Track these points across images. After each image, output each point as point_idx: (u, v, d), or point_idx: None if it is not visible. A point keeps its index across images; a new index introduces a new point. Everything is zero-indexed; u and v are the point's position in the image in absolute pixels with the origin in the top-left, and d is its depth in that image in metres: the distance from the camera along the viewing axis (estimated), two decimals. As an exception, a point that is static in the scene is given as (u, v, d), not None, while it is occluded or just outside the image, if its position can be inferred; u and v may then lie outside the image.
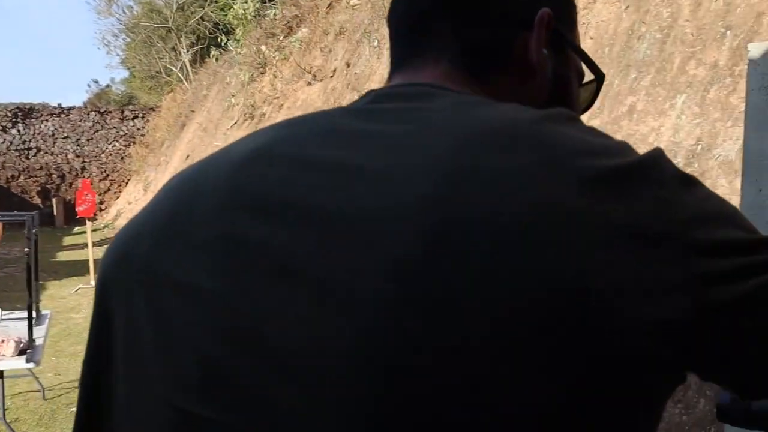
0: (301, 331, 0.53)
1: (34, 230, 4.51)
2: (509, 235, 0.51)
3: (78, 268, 12.37)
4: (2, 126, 25.16)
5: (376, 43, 10.19)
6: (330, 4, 12.91)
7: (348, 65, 11.19)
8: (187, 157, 17.90)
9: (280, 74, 13.88)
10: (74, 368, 6.35)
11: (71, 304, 9.65)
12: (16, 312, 5.98)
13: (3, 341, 4.30)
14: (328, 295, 0.53)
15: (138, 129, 26.14)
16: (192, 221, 0.61)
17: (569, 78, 0.76)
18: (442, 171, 0.54)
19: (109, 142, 25.88)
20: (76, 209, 12.07)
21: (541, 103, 0.69)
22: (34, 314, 4.63)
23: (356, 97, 0.71)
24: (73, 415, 0.70)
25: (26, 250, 4.47)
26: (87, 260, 11.32)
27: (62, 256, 15.05)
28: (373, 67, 10.17)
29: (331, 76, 11.84)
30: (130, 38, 30.38)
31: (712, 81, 4.48)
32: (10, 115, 25.42)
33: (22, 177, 24.75)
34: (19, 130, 25.24)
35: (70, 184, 24.98)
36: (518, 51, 0.71)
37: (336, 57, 11.91)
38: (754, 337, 0.56)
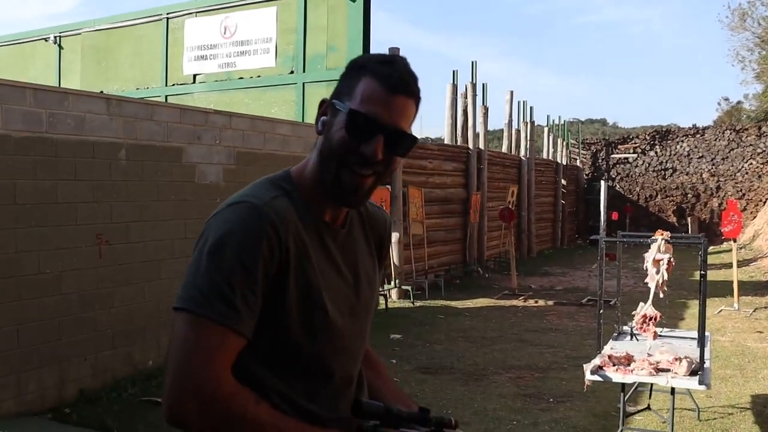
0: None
1: (700, 252, 4.75)
2: None
3: (718, 289, 12.38)
4: (642, 149, 26.78)
5: None
6: None
7: None
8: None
9: None
10: (725, 392, 6.41)
11: (715, 326, 9.70)
12: (676, 330, 6.34)
13: (676, 359, 4.61)
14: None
15: (776, 145, 24.80)
16: None
17: (331, 124, 1.46)
18: None
19: (744, 161, 25.18)
20: (722, 229, 12.12)
21: (321, 143, 1.50)
22: (697, 334, 4.87)
23: None
24: None
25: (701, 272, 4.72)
26: (730, 281, 11.23)
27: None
28: None
29: None
30: (766, 51, 29.03)
31: None
32: (648, 138, 26.92)
33: (659, 197, 25.95)
34: (656, 152, 26.51)
35: (705, 203, 25.12)
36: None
37: None
38: None
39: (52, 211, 5.72)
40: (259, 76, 11.27)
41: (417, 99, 1.47)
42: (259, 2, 11.30)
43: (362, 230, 1.65)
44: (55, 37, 13.67)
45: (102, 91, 8.22)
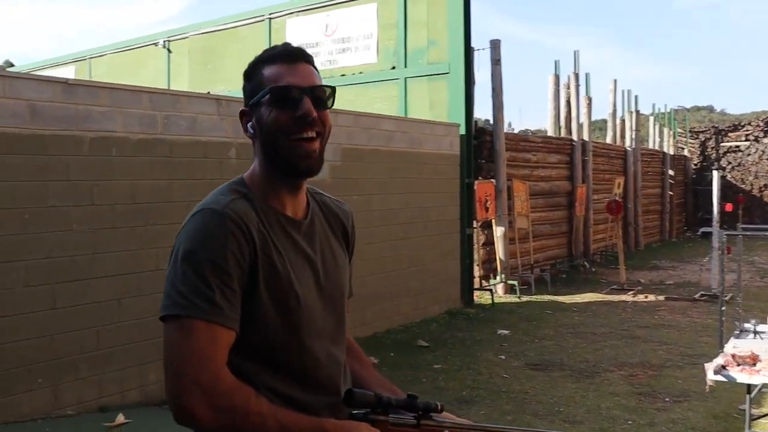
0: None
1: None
2: None
3: None
4: (754, 136, 25.46)
5: None
6: None
7: None
8: None
9: None
10: None
11: None
12: None
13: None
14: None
15: None
16: None
17: (260, 118, 1.57)
18: None
19: None
20: None
21: (259, 143, 1.60)
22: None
23: None
24: None
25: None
26: None
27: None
28: None
29: None
30: None
31: None
32: (762, 124, 25.57)
33: (775, 186, 24.62)
34: (771, 139, 25.16)
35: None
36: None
37: None
38: None
39: (168, 210, 5.89)
40: (361, 73, 11.33)
41: (313, 64, 1.62)
42: (359, -1, 11.36)
43: (326, 222, 1.72)
44: (164, 41, 14.17)
45: (209, 92, 8.44)
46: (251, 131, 1.60)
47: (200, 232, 1.46)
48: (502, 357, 7.37)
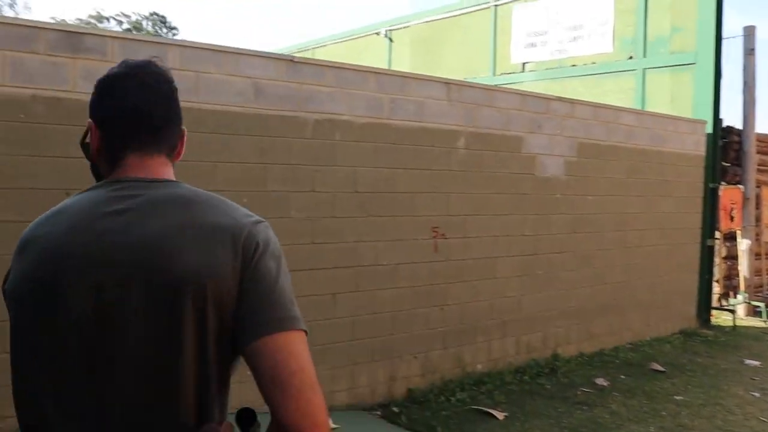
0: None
1: None
2: None
3: None
4: None
5: None
6: None
7: None
8: None
9: None
10: None
11: None
12: None
13: None
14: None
15: None
16: None
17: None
18: None
19: None
20: None
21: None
22: None
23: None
24: None
25: None
26: None
27: None
28: None
29: None
30: None
31: None
32: None
33: None
34: None
35: None
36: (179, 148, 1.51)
37: None
38: None
39: (390, 201, 5.49)
40: (593, 63, 10.43)
41: None
42: (595, -18, 10.46)
43: None
44: (385, 31, 14.04)
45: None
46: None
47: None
48: (756, 394, 6.28)
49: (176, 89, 1.48)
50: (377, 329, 5.50)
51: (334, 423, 4.78)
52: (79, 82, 4.10)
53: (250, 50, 4.94)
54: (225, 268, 1.30)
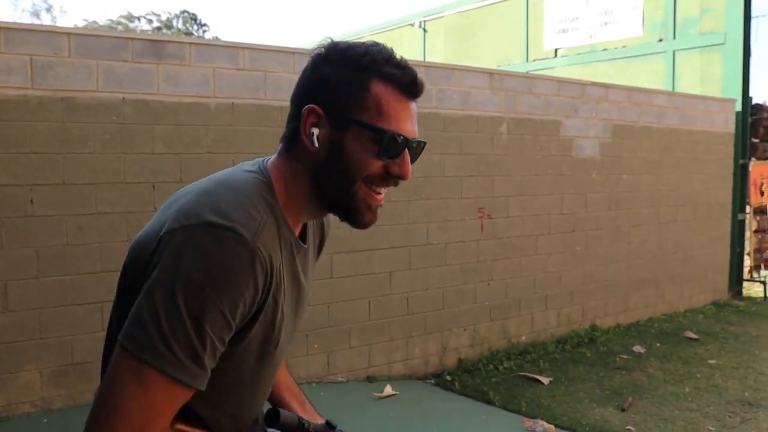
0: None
1: None
2: None
3: None
4: None
5: None
6: None
7: None
8: None
9: None
10: None
11: None
12: None
13: None
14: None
15: None
16: None
17: (343, 144, 1.26)
18: None
19: None
20: None
21: (319, 160, 1.29)
22: None
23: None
24: None
25: None
26: None
27: None
28: None
29: None
30: None
31: None
32: None
33: None
34: None
35: None
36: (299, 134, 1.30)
37: None
38: None
39: (440, 184, 5.92)
40: (624, 47, 10.74)
41: None
42: (624, -33, 10.75)
43: (312, 236, 1.50)
44: (420, 21, 14.41)
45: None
46: (314, 143, 1.28)
47: (219, 263, 1.13)
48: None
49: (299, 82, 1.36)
50: (429, 304, 5.95)
51: (393, 390, 5.28)
52: (162, 85, 4.56)
53: (305, 49, 5.39)
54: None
